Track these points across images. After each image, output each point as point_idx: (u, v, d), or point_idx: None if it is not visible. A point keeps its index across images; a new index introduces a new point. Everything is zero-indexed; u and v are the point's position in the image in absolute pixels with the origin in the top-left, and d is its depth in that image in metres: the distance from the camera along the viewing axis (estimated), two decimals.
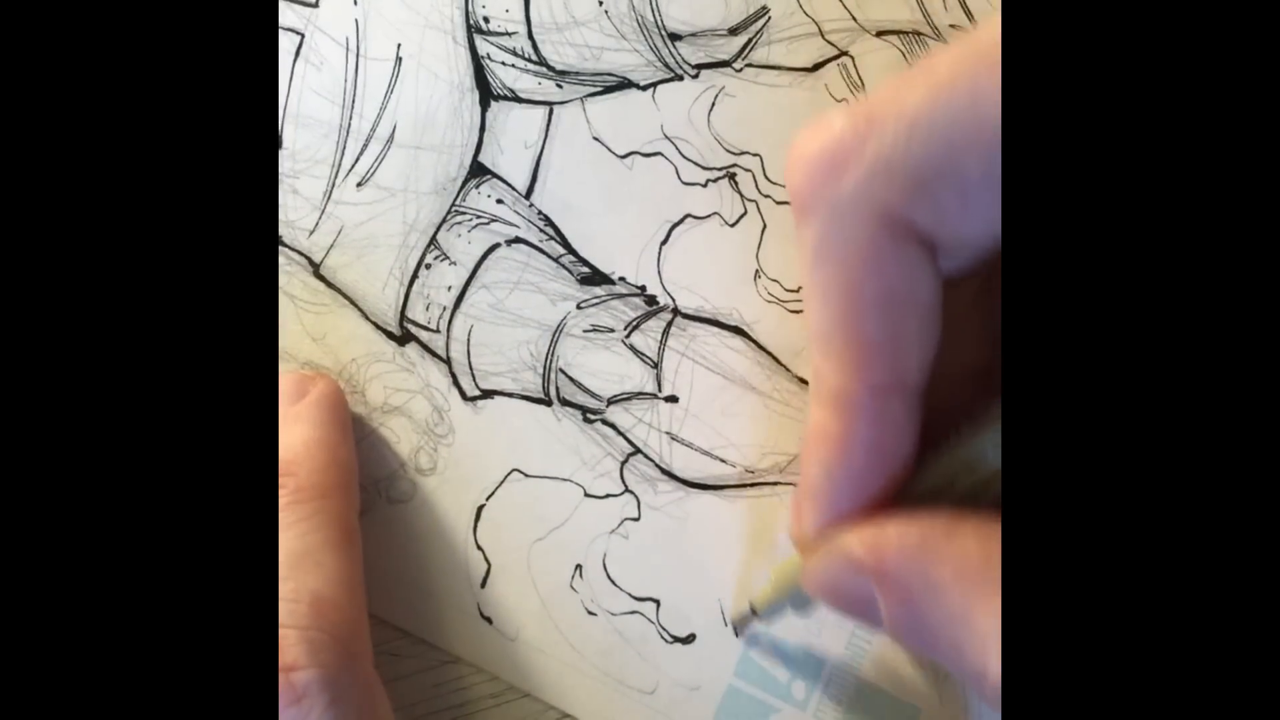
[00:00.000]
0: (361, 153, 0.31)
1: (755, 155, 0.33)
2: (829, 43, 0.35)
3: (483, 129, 0.32)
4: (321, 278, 0.31)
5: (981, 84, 0.22)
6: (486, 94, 0.32)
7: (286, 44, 0.31)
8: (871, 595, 0.25)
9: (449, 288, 0.32)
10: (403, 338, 0.31)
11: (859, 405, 0.25)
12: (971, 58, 0.22)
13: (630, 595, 0.32)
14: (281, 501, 0.26)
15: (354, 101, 0.31)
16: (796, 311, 0.32)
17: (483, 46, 0.32)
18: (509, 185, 0.32)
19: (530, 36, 0.33)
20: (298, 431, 0.28)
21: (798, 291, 0.32)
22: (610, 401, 0.32)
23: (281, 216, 0.31)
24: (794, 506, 0.27)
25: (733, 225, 0.33)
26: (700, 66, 0.33)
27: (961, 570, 0.23)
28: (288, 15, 0.31)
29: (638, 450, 0.32)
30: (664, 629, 0.32)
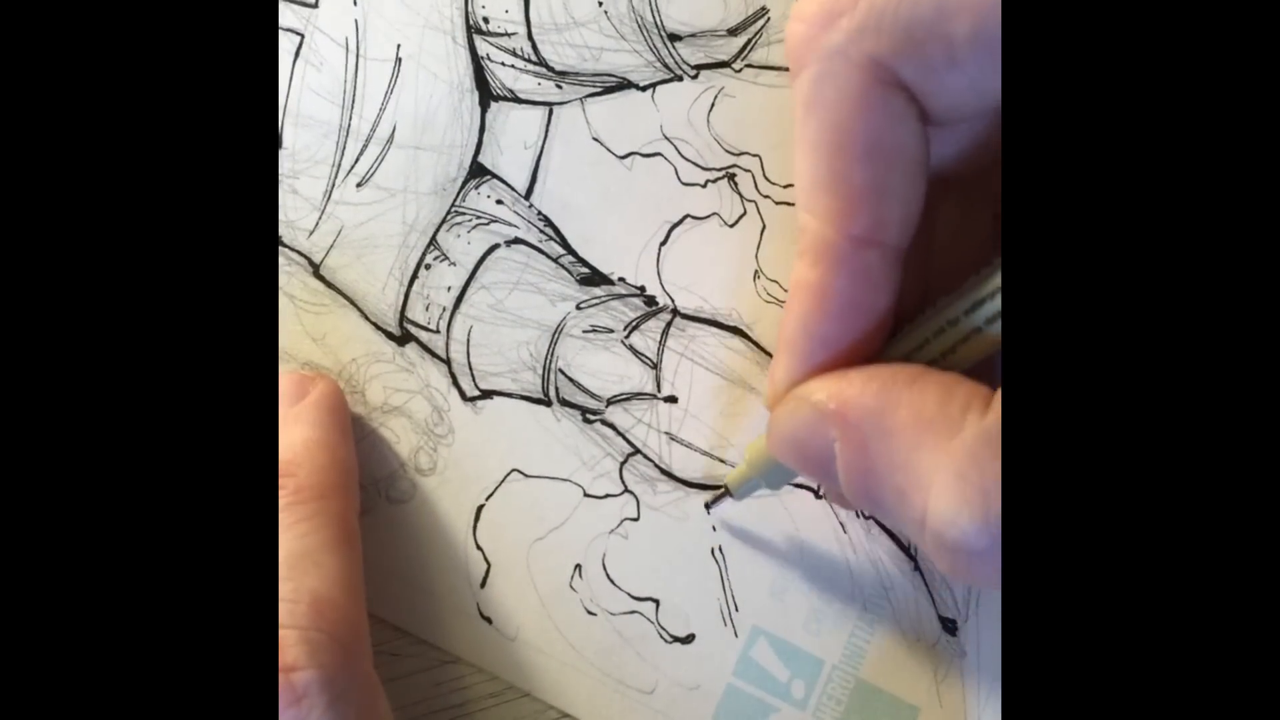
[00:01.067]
0: (361, 153, 0.32)
1: (755, 155, 0.33)
2: None
3: (482, 129, 0.32)
4: (321, 278, 0.32)
5: None
6: (486, 94, 0.32)
7: (286, 44, 0.32)
8: (830, 448, 0.26)
9: (449, 288, 0.32)
10: (402, 338, 0.32)
11: (838, 256, 0.26)
12: None
13: (630, 595, 0.32)
14: (281, 502, 0.27)
15: (354, 102, 0.32)
16: None
17: (482, 47, 0.33)
18: (509, 186, 0.32)
19: (530, 37, 0.33)
20: (298, 432, 0.28)
21: None
22: (610, 402, 0.32)
23: (281, 217, 0.31)
24: (771, 368, 0.28)
25: (732, 226, 0.33)
26: (700, 67, 0.34)
27: (916, 417, 0.24)
28: (287, 15, 0.32)
29: (637, 450, 0.32)
30: (663, 629, 0.32)
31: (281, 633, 0.25)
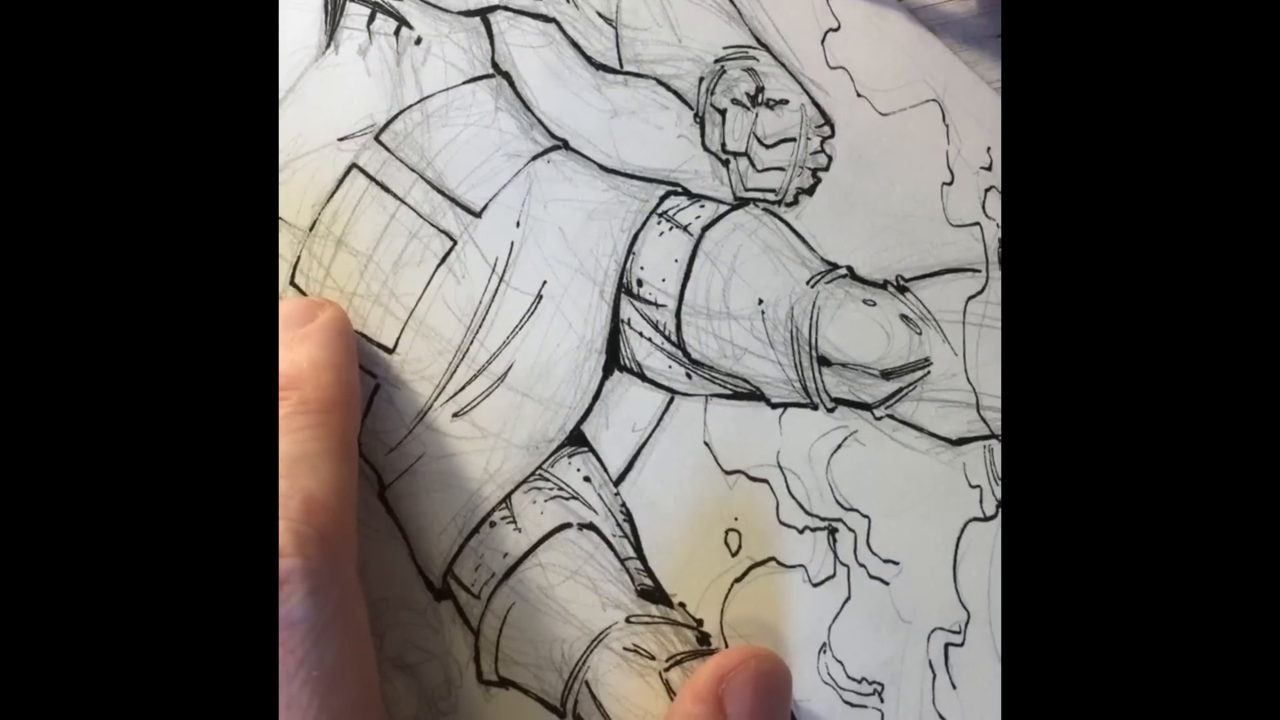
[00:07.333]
0: (469, 383, 0.33)
1: (865, 516, 0.35)
2: (983, 420, 0.36)
3: (596, 397, 0.33)
4: (384, 501, 0.32)
5: None
6: (613, 361, 0.34)
7: (436, 246, 0.33)
8: None
9: (505, 554, 0.32)
10: (441, 592, 0.32)
11: None
12: None
13: None
14: (284, 412, 0.29)
15: (480, 327, 0.33)
16: (853, 704, 0.34)
17: (626, 310, 0.34)
18: (602, 465, 0.33)
19: (678, 314, 0.34)
20: (304, 350, 0.30)
21: (860, 682, 0.34)
22: None
23: (370, 425, 0.32)
24: None
25: (815, 585, 0.34)
26: (840, 401, 0.35)
27: None
28: (447, 218, 0.33)
29: None
30: None
31: None
